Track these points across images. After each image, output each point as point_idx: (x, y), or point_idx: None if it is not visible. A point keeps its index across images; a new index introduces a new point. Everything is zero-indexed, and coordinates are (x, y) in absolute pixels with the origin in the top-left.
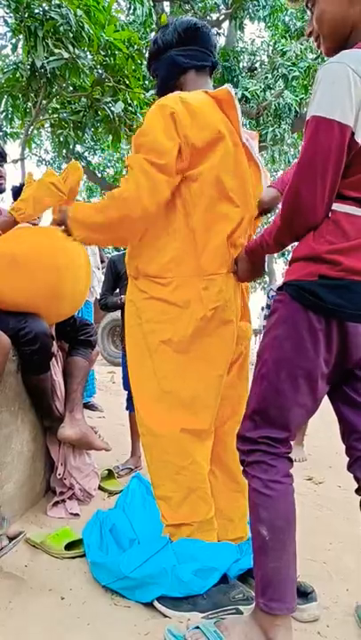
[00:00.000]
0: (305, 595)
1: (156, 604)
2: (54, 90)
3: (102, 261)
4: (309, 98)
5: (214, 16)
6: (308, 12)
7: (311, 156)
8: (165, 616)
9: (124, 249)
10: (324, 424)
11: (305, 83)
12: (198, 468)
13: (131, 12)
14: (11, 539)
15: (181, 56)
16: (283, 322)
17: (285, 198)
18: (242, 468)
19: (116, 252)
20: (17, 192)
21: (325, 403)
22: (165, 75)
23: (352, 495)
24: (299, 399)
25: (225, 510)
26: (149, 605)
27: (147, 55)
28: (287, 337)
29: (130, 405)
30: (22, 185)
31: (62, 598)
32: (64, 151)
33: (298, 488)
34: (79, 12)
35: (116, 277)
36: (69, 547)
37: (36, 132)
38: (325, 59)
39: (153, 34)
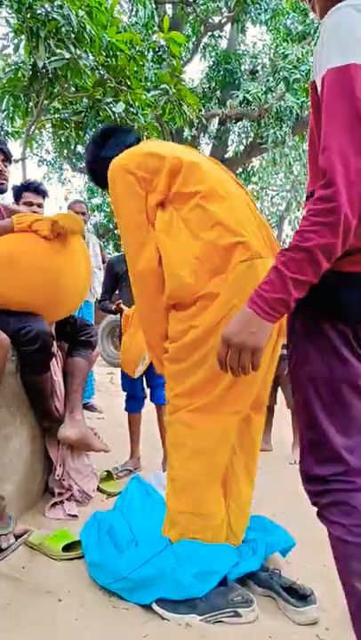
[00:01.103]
0: (304, 597)
1: (155, 606)
2: (56, 90)
3: (104, 262)
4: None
5: (216, 19)
6: None
7: (348, 115)
8: (164, 618)
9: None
10: None
11: (306, 86)
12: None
13: (133, 13)
14: (17, 537)
15: (110, 151)
16: (303, 337)
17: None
18: (316, 510)
19: (115, 254)
20: (18, 192)
21: None
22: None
23: None
24: (353, 413)
25: (246, 501)
26: (148, 607)
27: (88, 171)
28: (312, 351)
29: (129, 406)
30: (23, 185)
31: (60, 600)
32: (65, 151)
33: (297, 490)
34: (81, 13)
35: (115, 279)
36: (67, 548)
37: (37, 132)
38: None
39: (155, 36)
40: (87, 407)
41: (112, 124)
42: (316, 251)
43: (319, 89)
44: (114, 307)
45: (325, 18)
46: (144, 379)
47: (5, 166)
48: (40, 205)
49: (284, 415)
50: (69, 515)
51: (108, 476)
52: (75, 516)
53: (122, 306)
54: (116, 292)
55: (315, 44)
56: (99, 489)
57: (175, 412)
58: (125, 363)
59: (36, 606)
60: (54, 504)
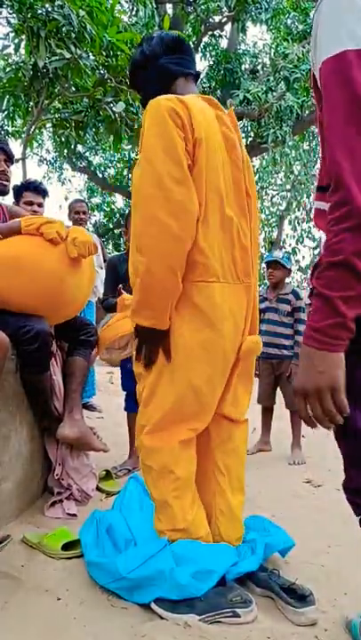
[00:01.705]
0: (303, 598)
1: (154, 605)
2: (56, 90)
3: (105, 261)
4: (311, 100)
5: (217, 18)
6: None
7: (349, 104)
8: (162, 618)
9: (125, 250)
10: (323, 427)
11: (306, 85)
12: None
13: (133, 13)
14: None
15: (171, 63)
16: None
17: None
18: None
19: (115, 253)
20: (18, 191)
21: None
22: (157, 82)
23: None
24: None
25: (235, 509)
26: (147, 607)
27: (130, 66)
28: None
29: (128, 406)
30: (23, 184)
31: (59, 599)
32: (65, 151)
33: (296, 491)
34: (82, 13)
35: (116, 278)
36: (66, 547)
37: (37, 131)
38: None
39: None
40: (87, 407)
41: (189, 46)
42: (352, 261)
43: (319, 82)
44: (116, 299)
45: (315, 11)
46: None
47: (7, 166)
48: (40, 205)
49: (283, 416)
50: (68, 514)
51: (108, 476)
52: (74, 515)
53: (122, 291)
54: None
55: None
56: (98, 488)
57: (138, 436)
58: (103, 338)
59: (34, 605)
60: (53, 503)
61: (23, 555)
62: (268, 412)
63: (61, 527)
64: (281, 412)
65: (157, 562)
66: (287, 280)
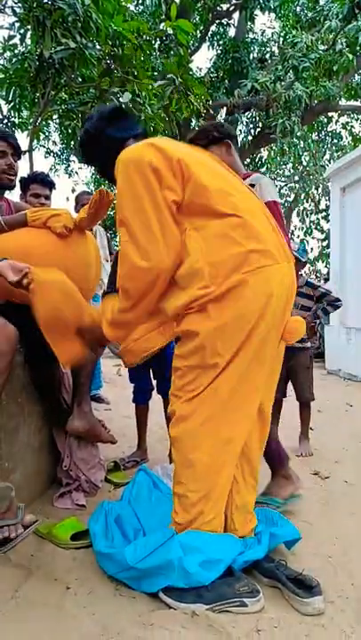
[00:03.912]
0: (309, 588)
1: (162, 595)
2: (63, 81)
3: (111, 254)
4: (320, 90)
5: (224, 7)
6: None
7: None
8: (170, 607)
9: None
10: (330, 419)
11: (315, 74)
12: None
13: (140, 1)
14: (25, 527)
15: (117, 132)
16: None
17: None
18: None
19: None
20: (25, 183)
21: (333, 399)
22: (110, 151)
23: (358, 490)
24: None
25: (249, 505)
26: (155, 596)
27: (80, 146)
28: None
29: (136, 398)
30: (30, 176)
31: (68, 588)
32: (72, 143)
33: (304, 483)
34: (87, 2)
35: None
36: (76, 537)
37: (43, 123)
38: (336, 50)
39: (162, 24)
40: (95, 399)
41: (122, 109)
42: None
43: None
44: None
45: None
46: (151, 371)
47: (15, 161)
48: (47, 197)
49: (289, 407)
50: (77, 504)
51: (116, 467)
52: (82, 505)
53: None
54: None
55: (325, 32)
56: (106, 479)
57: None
58: (132, 352)
59: (44, 594)
60: (62, 494)
61: (33, 544)
62: (277, 404)
63: (70, 517)
64: (287, 403)
65: (165, 551)
66: (302, 272)
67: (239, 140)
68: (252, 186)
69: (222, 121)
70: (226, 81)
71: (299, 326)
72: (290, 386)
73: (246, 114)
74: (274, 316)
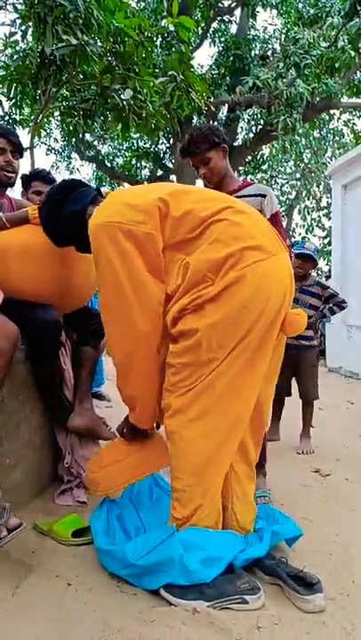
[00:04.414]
0: (310, 586)
1: (163, 592)
2: (64, 78)
3: None
4: (322, 87)
5: (226, 3)
6: None
7: None
8: (171, 604)
9: None
10: (332, 417)
11: (317, 71)
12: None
13: None
14: (10, 530)
15: (74, 204)
16: None
17: None
18: None
19: None
20: (27, 181)
21: (334, 397)
22: (75, 229)
23: (359, 488)
24: None
25: (250, 496)
26: (155, 593)
27: (48, 235)
28: None
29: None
30: (32, 173)
31: (69, 584)
32: (73, 140)
33: (305, 480)
34: None
35: None
36: (77, 534)
37: (45, 120)
38: (338, 47)
39: (164, 21)
40: (96, 396)
41: (67, 180)
42: None
43: None
44: None
45: None
46: None
47: (16, 158)
48: None
49: (290, 405)
50: (78, 501)
51: None
52: (84, 502)
53: None
54: None
55: (327, 29)
56: None
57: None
58: None
59: (45, 590)
60: (63, 491)
61: (34, 541)
62: (280, 402)
63: (71, 514)
64: (288, 400)
65: (166, 548)
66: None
67: (241, 137)
68: (263, 196)
69: (223, 118)
70: (227, 78)
71: (300, 319)
72: (294, 384)
73: (248, 111)
74: (272, 309)
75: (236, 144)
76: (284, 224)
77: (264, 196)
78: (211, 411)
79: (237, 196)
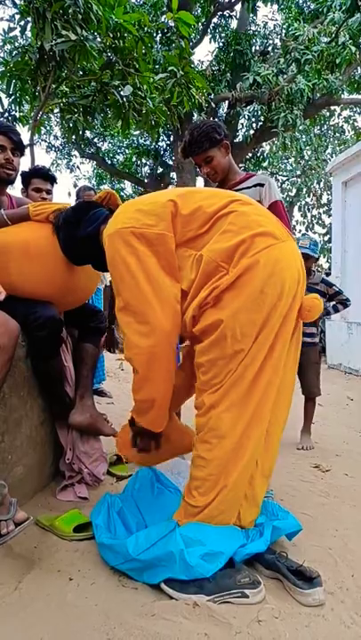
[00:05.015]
0: (310, 580)
1: (163, 586)
2: (63, 74)
3: None
4: (322, 83)
5: None
6: None
7: None
8: (172, 598)
9: None
10: (332, 413)
11: (318, 67)
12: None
13: None
14: (17, 524)
15: (88, 226)
16: None
17: None
18: None
19: None
20: (26, 178)
21: (334, 393)
22: (93, 249)
23: (359, 483)
24: None
25: (258, 497)
26: (157, 587)
27: (69, 258)
28: None
29: None
30: (31, 171)
31: (71, 579)
32: (73, 137)
33: (305, 476)
34: None
35: None
36: (78, 529)
37: (45, 117)
38: (339, 43)
39: (164, 16)
40: (97, 392)
41: (82, 202)
42: None
43: None
44: None
45: None
46: None
47: (16, 156)
48: (49, 191)
49: (295, 401)
50: (80, 497)
51: (118, 460)
52: (85, 498)
53: None
54: None
55: (328, 24)
56: (108, 472)
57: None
58: None
59: (47, 585)
60: (65, 486)
61: (36, 536)
62: None
63: (73, 510)
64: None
65: (167, 543)
66: (313, 268)
67: (241, 133)
68: (261, 185)
69: (224, 115)
70: (228, 74)
71: (318, 303)
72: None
73: (248, 107)
74: (289, 294)
75: (236, 141)
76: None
77: (263, 185)
78: (239, 403)
79: (239, 189)
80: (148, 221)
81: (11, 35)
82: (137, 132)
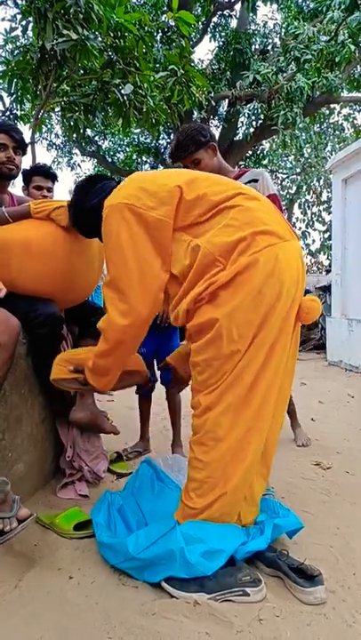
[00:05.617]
0: (311, 578)
1: (164, 584)
2: (64, 73)
3: None
4: (322, 81)
5: None
6: None
7: None
8: (173, 596)
9: None
10: (333, 410)
11: (318, 65)
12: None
13: None
14: (20, 521)
15: (94, 199)
16: None
17: None
18: None
19: None
20: (27, 175)
21: (335, 390)
22: (96, 217)
23: (360, 481)
24: None
25: (257, 497)
26: (157, 586)
27: (77, 229)
28: None
29: (139, 389)
30: (32, 169)
31: (71, 577)
32: (74, 135)
33: (306, 473)
34: None
35: None
36: (78, 527)
37: (46, 115)
38: (338, 41)
39: (164, 16)
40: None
41: (92, 174)
42: None
43: None
44: None
45: None
46: (155, 361)
47: (17, 154)
48: (50, 189)
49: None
50: (80, 495)
51: (119, 458)
52: (85, 495)
53: None
54: None
55: (327, 23)
56: (109, 470)
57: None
58: None
59: (47, 583)
60: (65, 484)
61: (36, 534)
62: None
63: (73, 508)
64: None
65: (167, 542)
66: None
67: (241, 131)
68: (255, 180)
69: (224, 113)
70: (228, 73)
71: (316, 305)
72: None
73: (248, 106)
74: (288, 295)
75: (236, 139)
76: (285, 217)
77: (257, 180)
78: (236, 405)
79: None
80: (150, 203)
81: (12, 34)
82: (137, 130)
